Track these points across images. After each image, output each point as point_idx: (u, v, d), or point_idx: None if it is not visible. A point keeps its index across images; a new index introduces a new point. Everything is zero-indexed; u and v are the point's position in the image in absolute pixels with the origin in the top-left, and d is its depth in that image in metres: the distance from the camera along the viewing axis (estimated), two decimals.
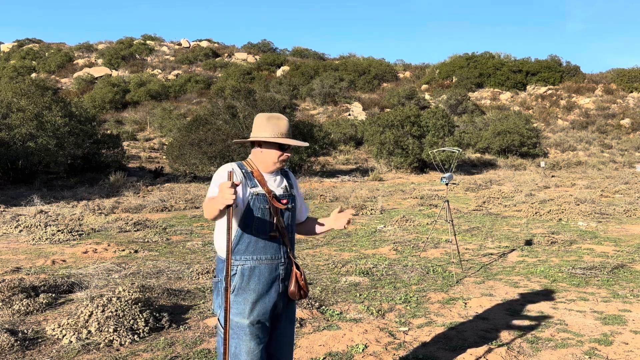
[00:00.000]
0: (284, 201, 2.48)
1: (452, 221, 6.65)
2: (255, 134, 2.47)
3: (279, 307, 2.47)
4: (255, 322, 2.37)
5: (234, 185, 2.11)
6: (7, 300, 4.77)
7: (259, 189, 2.41)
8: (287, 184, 2.55)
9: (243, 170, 2.43)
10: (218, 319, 2.41)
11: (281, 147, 2.46)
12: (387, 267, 6.52)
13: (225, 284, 2.21)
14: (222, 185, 2.13)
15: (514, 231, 9.20)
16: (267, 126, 2.45)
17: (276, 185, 2.49)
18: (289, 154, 2.50)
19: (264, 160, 2.48)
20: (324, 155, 24.43)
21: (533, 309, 4.93)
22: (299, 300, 2.57)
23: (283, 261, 2.46)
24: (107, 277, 5.93)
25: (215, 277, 2.48)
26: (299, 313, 4.58)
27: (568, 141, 31.82)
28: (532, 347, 4.01)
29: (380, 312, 4.81)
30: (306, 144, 2.67)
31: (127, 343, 3.98)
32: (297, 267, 2.50)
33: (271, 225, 2.41)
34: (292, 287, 2.46)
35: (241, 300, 2.37)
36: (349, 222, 2.54)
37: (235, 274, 2.38)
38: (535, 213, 10.97)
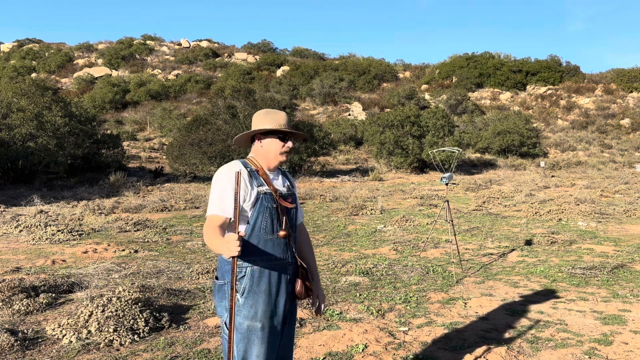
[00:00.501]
0: (289, 200, 2.46)
1: (452, 221, 6.65)
2: (255, 128, 2.45)
3: (287, 309, 2.43)
4: (267, 325, 2.31)
5: (240, 238, 2.09)
6: (7, 300, 4.77)
7: (266, 188, 2.36)
8: (289, 184, 2.53)
9: (248, 169, 2.37)
10: (225, 322, 2.32)
11: (282, 139, 2.43)
12: (387, 267, 6.53)
13: (231, 285, 2.16)
14: (229, 237, 2.09)
15: (514, 231, 9.20)
16: (266, 119, 2.43)
17: (280, 184, 2.47)
18: (291, 145, 2.45)
19: (265, 155, 2.43)
20: (324, 155, 24.42)
21: (533, 309, 4.94)
22: (302, 300, 2.56)
23: (290, 261, 2.42)
24: (107, 277, 5.93)
25: (217, 278, 2.39)
26: (299, 313, 4.58)
27: (568, 141, 31.81)
28: (532, 347, 4.01)
29: (380, 312, 4.81)
30: (307, 135, 2.64)
31: (127, 343, 3.98)
32: (303, 267, 2.47)
33: (280, 224, 2.37)
34: (299, 287, 2.43)
35: (252, 303, 2.29)
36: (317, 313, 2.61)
37: (244, 275, 2.30)
38: (535, 213, 10.97)
